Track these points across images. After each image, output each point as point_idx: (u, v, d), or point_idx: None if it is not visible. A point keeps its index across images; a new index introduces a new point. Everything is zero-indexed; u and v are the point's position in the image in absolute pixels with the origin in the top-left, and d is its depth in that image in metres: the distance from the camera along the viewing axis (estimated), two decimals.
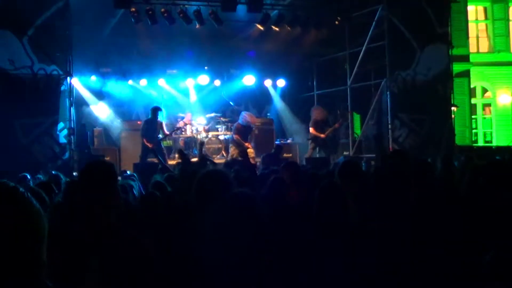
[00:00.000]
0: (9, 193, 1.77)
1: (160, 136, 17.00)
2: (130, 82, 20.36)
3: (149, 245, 3.31)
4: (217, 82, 21.60)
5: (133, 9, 15.55)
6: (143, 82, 20.50)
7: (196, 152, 18.93)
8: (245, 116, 17.56)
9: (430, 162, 6.83)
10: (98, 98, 19.90)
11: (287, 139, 21.52)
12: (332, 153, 18.15)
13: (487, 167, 4.56)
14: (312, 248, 4.09)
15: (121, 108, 20.64)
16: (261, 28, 17.47)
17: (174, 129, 18.66)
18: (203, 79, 21.09)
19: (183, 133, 19.49)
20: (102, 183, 3.46)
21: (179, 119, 20.13)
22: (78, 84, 17.44)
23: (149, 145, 16.19)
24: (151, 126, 16.54)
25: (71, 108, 14.50)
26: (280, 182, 6.17)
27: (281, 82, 22.13)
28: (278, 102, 22.64)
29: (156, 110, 16.83)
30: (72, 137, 14.42)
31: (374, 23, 17.22)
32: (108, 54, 18.27)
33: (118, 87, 20.36)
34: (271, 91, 22.52)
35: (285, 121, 22.54)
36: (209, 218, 3.24)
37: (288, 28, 17.76)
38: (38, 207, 1.80)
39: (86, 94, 19.24)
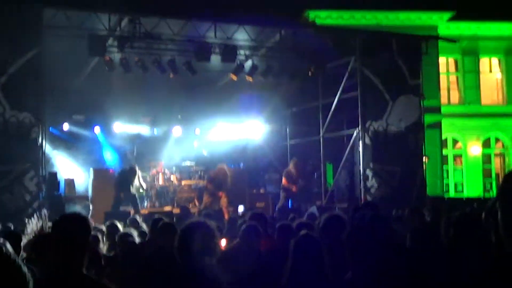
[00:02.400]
0: None
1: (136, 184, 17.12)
2: (98, 129, 20.22)
3: None
4: (198, 131, 21.69)
5: (107, 58, 15.57)
6: (116, 128, 20.37)
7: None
8: (217, 167, 18.14)
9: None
10: (68, 146, 19.75)
11: (260, 189, 21.48)
12: (304, 202, 18.19)
13: (459, 218, 4.59)
14: None
15: (92, 156, 20.47)
16: (235, 78, 17.57)
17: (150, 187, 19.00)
18: (177, 130, 21.13)
19: (155, 182, 19.39)
20: (75, 236, 3.45)
21: (151, 168, 20.04)
22: (50, 131, 17.31)
23: (122, 194, 16.10)
24: (125, 176, 16.52)
25: (43, 156, 14.29)
26: (254, 231, 6.13)
27: (256, 133, 22.13)
28: (251, 151, 22.64)
29: (134, 168, 17.15)
30: (43, 185, 14.17)
31: (346, 74, 17.44)
32: (82, 101, 18.19)
33: (89, 135, 20.25)
34: (243, 140, 22.56)
35: (259, 170, 22.53)
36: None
37: (262, 78, 17.88)
38: (26, 272, 1.81)
39: (58, 142, 19.12)
